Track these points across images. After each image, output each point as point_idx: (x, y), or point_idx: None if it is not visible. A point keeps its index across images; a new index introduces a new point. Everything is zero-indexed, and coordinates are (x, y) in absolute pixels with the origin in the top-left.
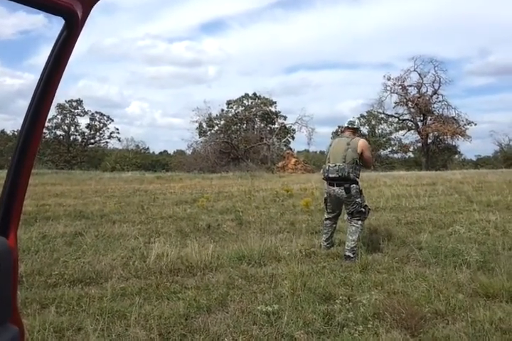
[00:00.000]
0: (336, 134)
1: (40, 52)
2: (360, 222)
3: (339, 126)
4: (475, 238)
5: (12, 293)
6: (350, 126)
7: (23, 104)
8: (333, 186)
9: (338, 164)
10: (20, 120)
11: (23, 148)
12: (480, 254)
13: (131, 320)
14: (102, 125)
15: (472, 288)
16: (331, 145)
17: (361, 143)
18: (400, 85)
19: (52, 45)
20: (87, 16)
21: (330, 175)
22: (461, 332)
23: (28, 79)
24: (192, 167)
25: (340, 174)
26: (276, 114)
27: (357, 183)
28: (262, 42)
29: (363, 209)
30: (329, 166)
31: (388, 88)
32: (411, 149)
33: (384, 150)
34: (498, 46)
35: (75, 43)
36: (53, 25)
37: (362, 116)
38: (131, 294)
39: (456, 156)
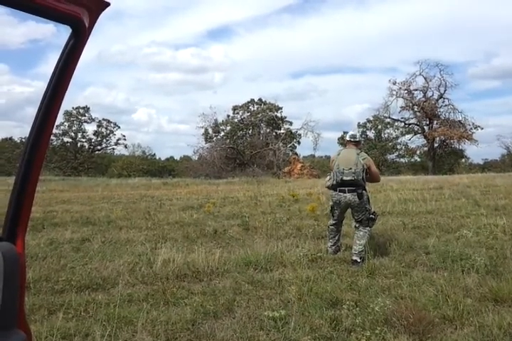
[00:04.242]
0: (342, 140)
1: (49, 60)
2: (368, 228)
3: (345, 132)
4: (483, 242)
5: (19, 299)
6: (352, 139)
7: (31, 112)
8: (345, 193)
9: (352, 167)
10: (28, 127)
11: (31, 155)
12: (488, 259)
13: (138, 325)
14: (108, 132)
15: (480, 293)
16: (338, 154)
17: (369, 158)
18: (405, 89)
19: (60, 53)
20: (94, 24)
21: (344, 178)
22: (469, 337)
23: (37, 86)
24: (198, 172)
25: (355, 177)
26: (282, 119)
27: (366, 190)
28: (268, 47)
29: (373, 216)
30: (343, 169)
31: (394, 92)
32: (417, 153)
33: (390, 154)
34: (503, 49)
35: (81, 51)
36: (62, 34)
37: (368, 120)
38: (138, 300)
39: (463, 160)
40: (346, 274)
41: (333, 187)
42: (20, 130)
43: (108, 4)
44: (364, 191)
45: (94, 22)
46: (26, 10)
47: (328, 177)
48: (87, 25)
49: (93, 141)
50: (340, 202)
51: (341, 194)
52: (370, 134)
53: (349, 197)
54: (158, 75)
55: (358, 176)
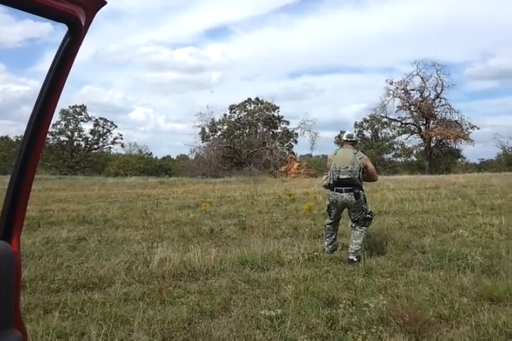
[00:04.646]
0: (339, 139)
1: (45, 58)
2: (364, 227)
3: (342, 132)
4: (479, 242)
5: (15, 298)
6: (349, 139)
7: (27, 110)
8: (342, 192)
9: (349, 166)
10: (24, 126)
11: (27, 153)
12: (484, 258)
13: (134, 325)
14: (105, 130)
15: (476, 292)
16: (335, 154)
17: (366, 157)
18: (402, 89)
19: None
20: (90, 23)
21: (341, 177)
22: (465, 336)
23: (33, 85)
24: (195, 172)
25: (352, 176)
26: (279, 118)
27: (362, 189)
28: (265, 47)
29: (369, 216)
30: (340, 168)
31: (391, 92)
32: (414, 153)
33: (387, 154)
34: (499, 49)
35: (78, 49)
36: (59, 33)
37: (365, 120)
38: (135, 299)
39: (459, 160)
40: (343, 273)
41: (329, 187)
42: (16, 129)
43: (104, 3)
44: (361, 191)
45: (91, 20)
46: (23, 8)
47: (325, 177)
48: (83, 23)
49: (90, 139)
50: (337, 202)
51: (338, 194)
52: (367, 134)
53: (346, 196)
54: (155, 74)
55: (354, 175)
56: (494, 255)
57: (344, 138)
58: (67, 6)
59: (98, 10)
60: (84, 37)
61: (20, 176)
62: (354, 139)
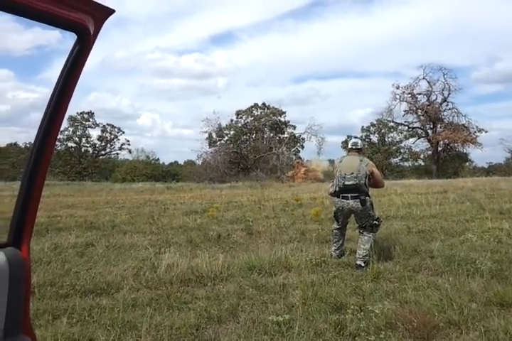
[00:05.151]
0: (345, 144)
1: (53, 66)
2: (372, 233)
3: (348, 136)
4: (487, 246)
5: (25, 304)
6: (354, 147)
7: (36, 117)
8: (348, 199)
9: (354, 172)
10: (33, 132)
11: (36, 160)
12: (493, 263)
13: (142, 330)
14: (113, 136)
15: (486, 297)
16: (341, 162)
17: (371, 163)
18: (409, 93)
19: (65, 59)
20: (99, 31)
21: (346, 183)
22: None
23: (41, 92)
24: (202, 177)
25: (357, 181)
26: (286, 123)
27: (369, 196)
28: (270, 53)
29: (377, 222)
30: (345, 174)
31: (397, 96)
32: (421, 157)
33: (394, 158)
34: (506, 53)
35: (87, 58)
36: (67, 40)
37: (372, 124)
38: (142, 305)
39: (467, 164)
40: (350, 278)
41: (335, 194)
42: (25, 135)
43: (113, 11)
44: (367, 197)
45: (99, 29)
46: (32, 17)
47: (331, 184)
48: (92, 32)
49: (97, 145)
50: (343, 209)
51: (344, 201)
52: (374, 138)
53: (352, 203)
54: (161, 81)
55: (360, 181)
56: (504, 259)
57: (350, 145)
58: (76, 15)
59: (107, 18)
60: (93, 45)
61: (30, 183)
62: (359, 146)
